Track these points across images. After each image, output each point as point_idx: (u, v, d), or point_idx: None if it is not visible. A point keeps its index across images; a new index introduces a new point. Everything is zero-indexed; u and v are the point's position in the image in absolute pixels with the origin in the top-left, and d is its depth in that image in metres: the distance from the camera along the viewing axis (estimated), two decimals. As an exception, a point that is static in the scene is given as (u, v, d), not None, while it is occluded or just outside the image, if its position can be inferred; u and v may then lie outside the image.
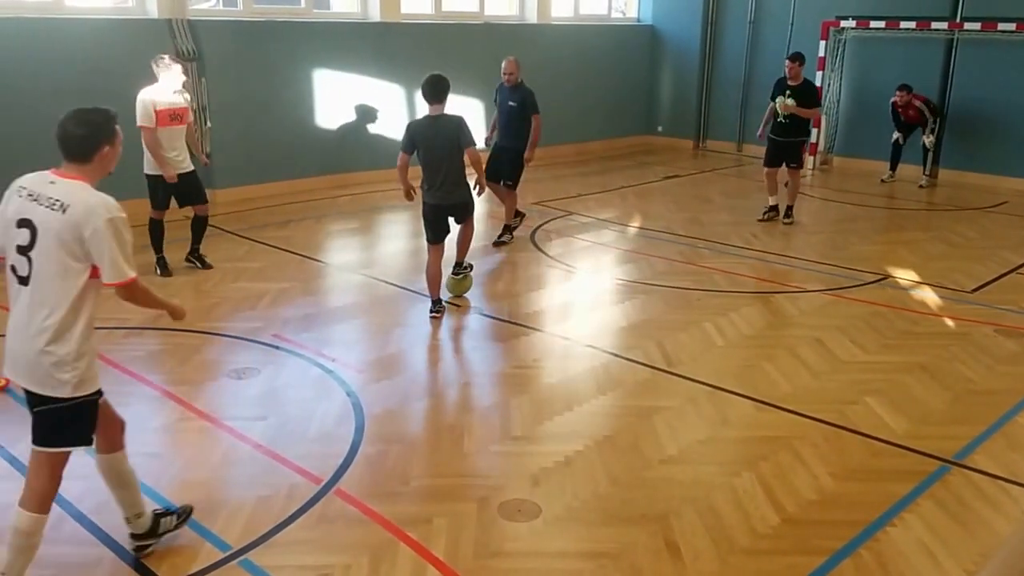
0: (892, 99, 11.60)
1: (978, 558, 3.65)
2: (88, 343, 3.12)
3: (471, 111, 10.60)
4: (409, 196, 6.48)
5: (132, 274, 3.10)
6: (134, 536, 3.55)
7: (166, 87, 6.94)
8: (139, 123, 6.78)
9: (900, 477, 4.30)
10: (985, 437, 4.72)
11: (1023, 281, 7.68)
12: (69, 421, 3.15)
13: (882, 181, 12.08)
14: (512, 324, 6.41)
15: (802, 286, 7.38)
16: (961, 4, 11.82)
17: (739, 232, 9.17)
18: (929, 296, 7.16)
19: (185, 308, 3.60)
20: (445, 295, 6.67)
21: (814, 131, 12.11)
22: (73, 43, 8.66)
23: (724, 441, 4.71)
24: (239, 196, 10.07)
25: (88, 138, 3.10)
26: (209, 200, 7.64)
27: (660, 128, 15.29)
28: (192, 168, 7.22)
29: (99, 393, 3.23)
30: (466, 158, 6.30)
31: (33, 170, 3.18)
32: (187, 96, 7.25)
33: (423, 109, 6.43)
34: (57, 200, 3.02)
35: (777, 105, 9.24)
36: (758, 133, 10.00)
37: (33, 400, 3.15)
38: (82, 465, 3.50)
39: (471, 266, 7.11)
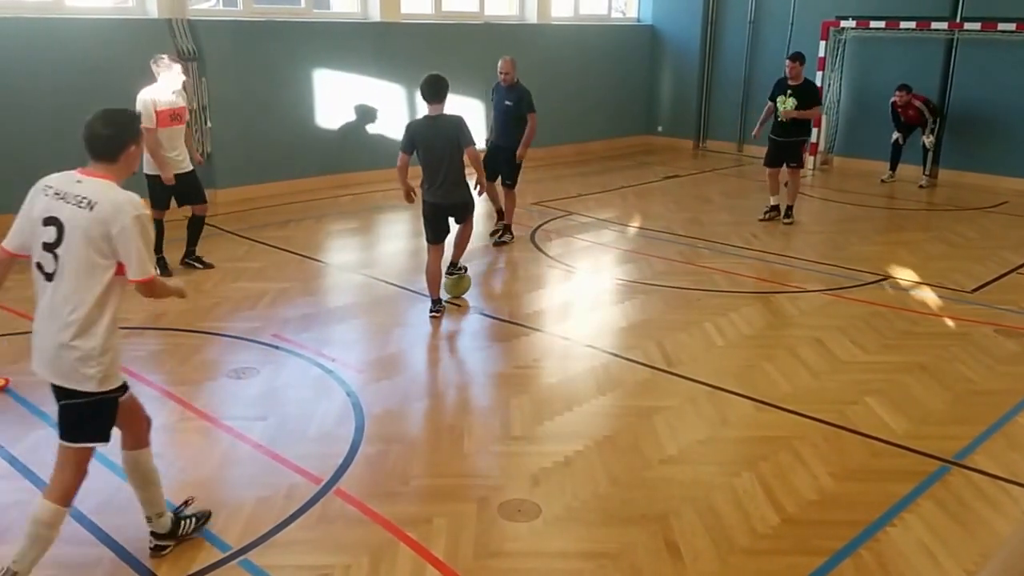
0: (892, 99, 11.60)
1: (978, 558, 3.65)
2: (113, 338, 3.18)
3: (471, 111, 10.59)
4: (409, 198, 6.46)
5: (154, 271, 3.19)
6: (155, 535, 3.57)
7: (166, 87, 6.93)
8: (141, 124, 6.76)
9: (900, 477, 4.29)
10: (985, 437, 4.72)
11: (1023, 281, 7.67)
12: (90, 417, 3.20)
13: (882, 181, 12.08)
14: (512, 324, 6.41)
15: (802, 286, 7.38)
16: (961, 4, 11.82)
17: (739, 232, 9.17)
18: (929, 296, 7.16)
19: (184, 305, 3.61)
20: (445, 295, 6.67)
21: (814, 131, 12.11)
22: (73, 43, 8.66)
23: (724, 441, 4.71)
24: (239, 196, 10.08)
25: (115, 138, 3.18)
26: (209, 200, 7.64)
27: (660, 128, 15.29)
28: (191, 168, 7.22)
29: (123, 389, 3.29)
30: (466, 158, 6.31)
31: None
32: (184, 95, 7.24)
33: (423, 109, 6.43)
34: (85, 198, 3.08)
35: (779, 108, 9.25)
36: (753, 133, 10.01)
37: (59, 394, 3.20)
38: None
39: (465, 268, 7.08)
